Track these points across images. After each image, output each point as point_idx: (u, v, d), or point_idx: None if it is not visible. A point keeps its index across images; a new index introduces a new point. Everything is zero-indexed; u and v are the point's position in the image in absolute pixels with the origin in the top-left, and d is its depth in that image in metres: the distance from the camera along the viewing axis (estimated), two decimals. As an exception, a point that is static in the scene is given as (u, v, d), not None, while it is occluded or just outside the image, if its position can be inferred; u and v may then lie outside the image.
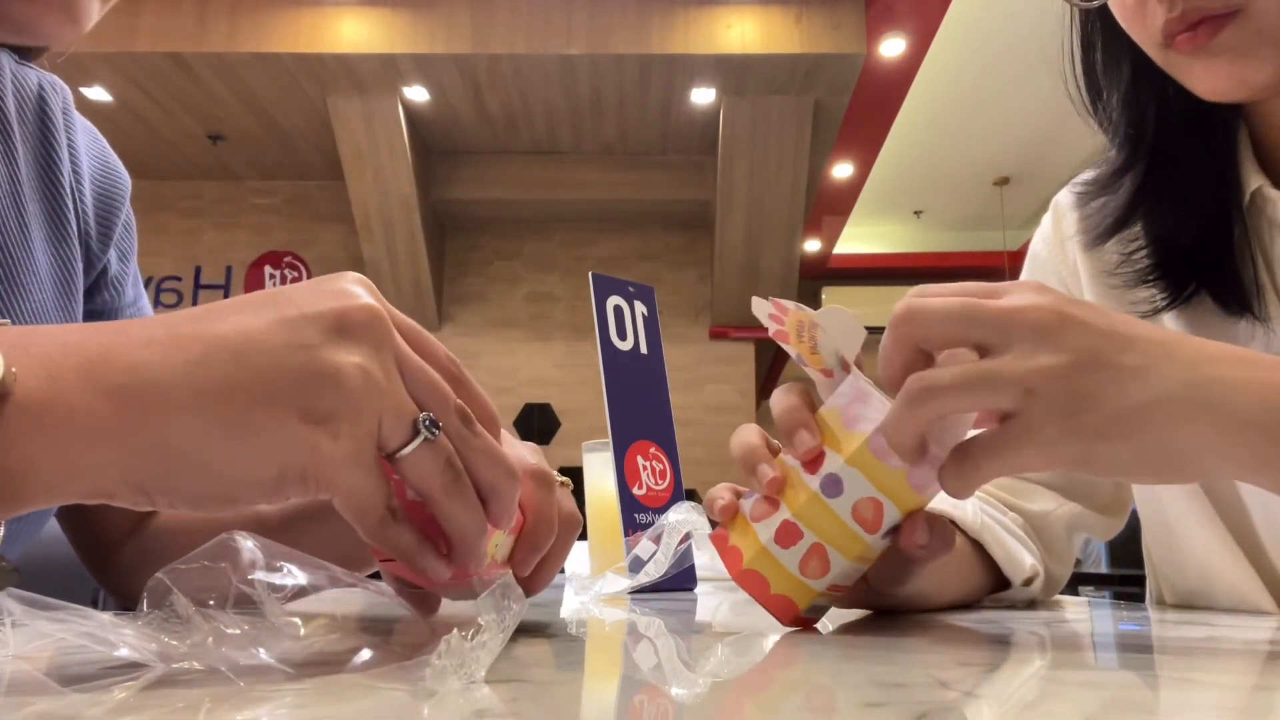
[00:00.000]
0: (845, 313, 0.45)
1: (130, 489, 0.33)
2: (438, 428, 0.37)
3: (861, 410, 0.45)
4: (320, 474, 0.35)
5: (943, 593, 0.62)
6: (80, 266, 0.67)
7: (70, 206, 0.66)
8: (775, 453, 0.49)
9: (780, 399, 0.49)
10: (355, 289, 0.37)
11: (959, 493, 0.42)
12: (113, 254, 0.71)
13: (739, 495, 0.50)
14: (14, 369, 0.31)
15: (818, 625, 0.50)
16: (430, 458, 0.37)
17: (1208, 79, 0.59)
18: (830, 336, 0.46)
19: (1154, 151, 0.69)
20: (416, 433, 0.36)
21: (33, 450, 0.31)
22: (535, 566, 0.48)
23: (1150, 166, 0.69)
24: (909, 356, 0.43)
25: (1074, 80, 0.73)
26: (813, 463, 0.46)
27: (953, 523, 0.68)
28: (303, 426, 0.34)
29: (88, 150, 0.71)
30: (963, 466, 0.41)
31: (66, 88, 0.70)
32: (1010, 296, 0.42)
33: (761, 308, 0.47)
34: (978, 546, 0.68)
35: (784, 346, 0.48)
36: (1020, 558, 0.68)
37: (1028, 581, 0.69)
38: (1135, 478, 0.43)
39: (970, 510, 0.69)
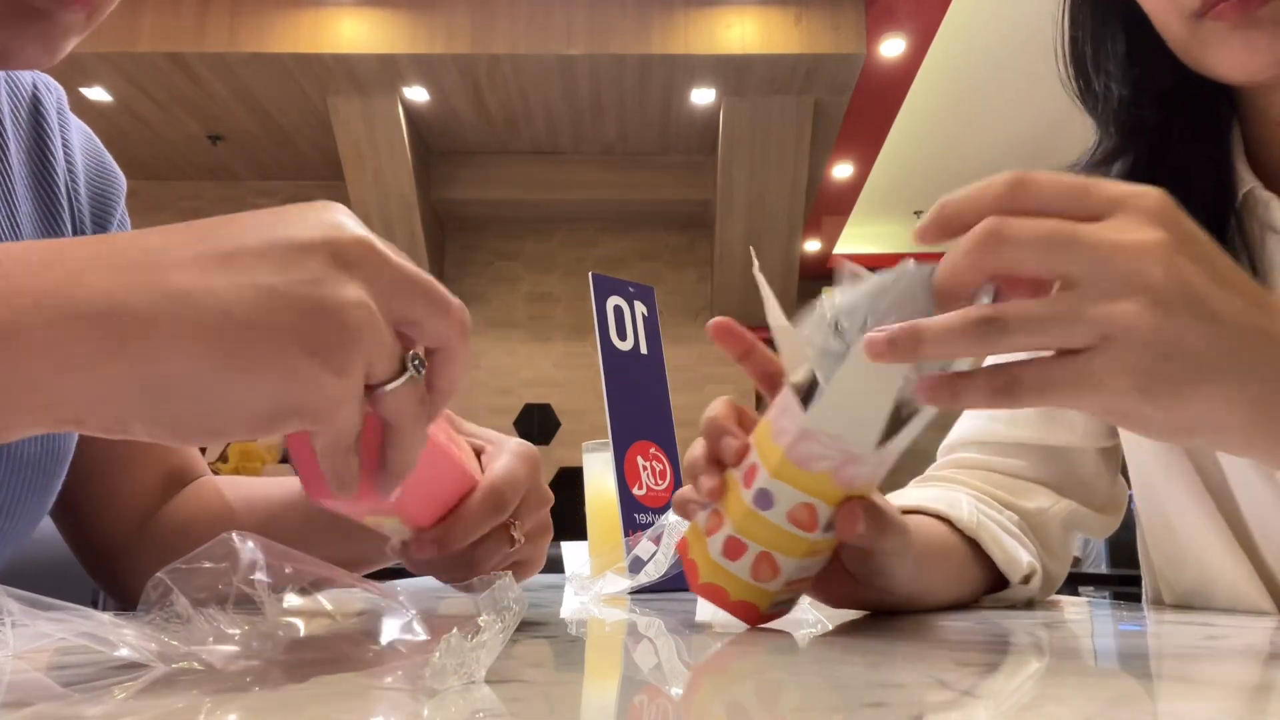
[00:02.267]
0: (791, 333, 0.45)
1: (101, 420, 0.32)
2: (423, 366, 0.37)
3: (785, 423, 0.45)
4: (317, 411, 0.34)
5: (937, 592, 0.62)
6: None
7: (65, 207, 0.66)
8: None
9: (709, 409, 0.50)
10: (345, 220, 0.36)
11: (985, 404, 0.39)
12: None
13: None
14: None
15: (814, 624, 0.50)
16: (410, 393, 0.37)
17: (1244, 55, 0.57)
18: (780, 352, 0.48)
19: (1142, 142, 0.68)
20: (403, 370, 0.36)
21: (8, 380, 0.30)
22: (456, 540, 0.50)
23: (1137, 159, 0.68)
24: (979, 284, 0.40)
25: (1063, 62, 0.72)
26: (747, 475, 0.47)
27: (949, 522, 0.68)
28: (305, 362, 0.33)
29: (82, 150, 0.70)
30: (1007, 395, 0.38)
31: (61, 88, 0.70)
32: (1116, 222, 0.38)
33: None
34: (974, 545, 0.68)
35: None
36: (1017, 556, 0.68)
37: (1026, 579, 0.69)
38: (1165, 439, 0.42)
39: (966, 509, 0.69)
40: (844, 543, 0.49)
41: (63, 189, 0.66)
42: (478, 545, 0.53)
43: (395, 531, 0.51)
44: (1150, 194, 0.39)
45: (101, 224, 0.70)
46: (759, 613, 0.49)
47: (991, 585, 0.70)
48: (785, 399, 0.45)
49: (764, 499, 0.46)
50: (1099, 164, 0.71)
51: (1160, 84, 0.67)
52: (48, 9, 0.49)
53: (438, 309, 0.38)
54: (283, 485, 0.70)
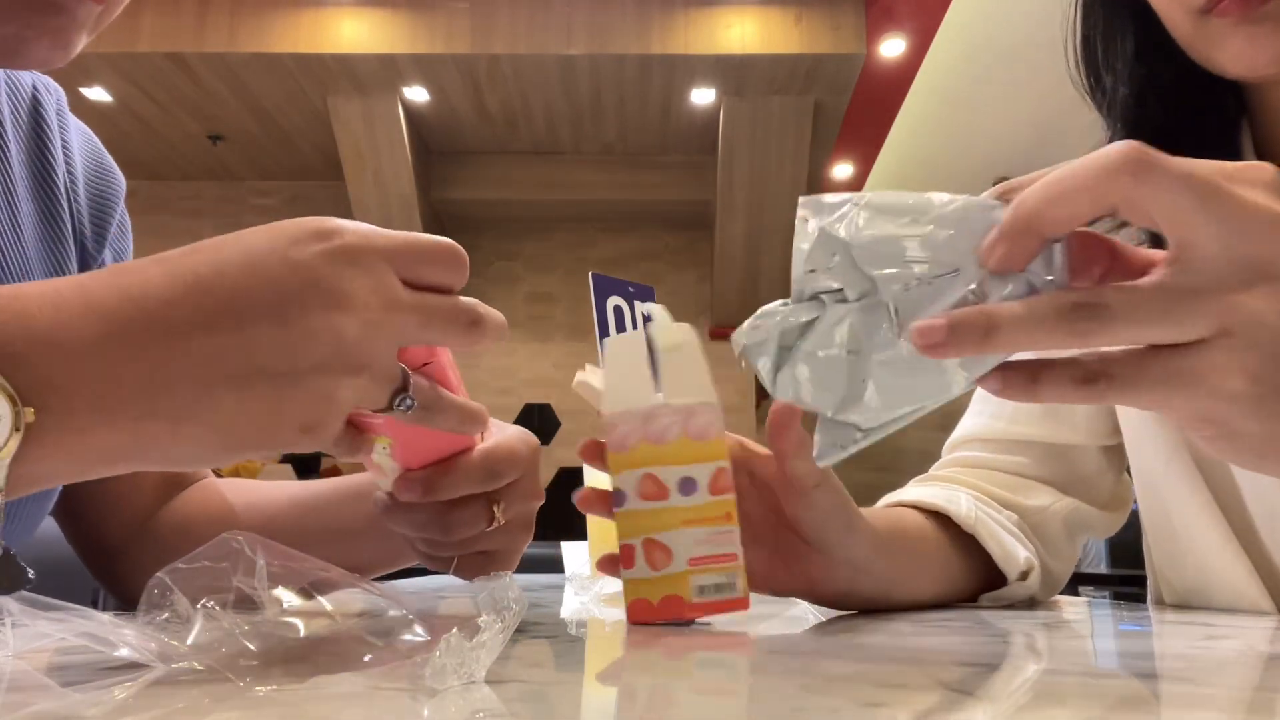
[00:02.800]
0: (584, 384, 0.54)
1: (115, 472, 0.37)
2: (411, 405, 0.41)
3: (606, 438, 0.51)
4: (298, 450, 0.38)
5: (916, 584, 0.62)
6: (75, 268, 0.67)
7: (65, 207, 0.66)
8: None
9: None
10: (343, 275, 0.37)
11: (1067, 399, 0.33)
12: (108, 255, 0.71)
13: None
14: (31, 409, 0.32)
15: (813, 623, 0.49)
16: (395, 417, 0.42)
17: (1248, 50, 0.58)
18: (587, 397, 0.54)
19: (1151, 139, 0.68)
20: (390, 408, 0.41)
21: (44, 470, 0.33)
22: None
23: None
24: (1092, 216, 0.33)
25: (1074, 59, 0.73)
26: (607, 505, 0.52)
27: (947, 517, 0.68)
28: (296, 435, 0.37)
29: (81, 151, 0.70)
30: (1092, 389, 0.33)
31: (60, 89, 0.70)
32: (1252, 192, 0.32)
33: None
34: (970, 541, 0.68)
35: None
36: (1014, 551, 0.68)
37: (1024, 575, 0.68)
38: (1244, 462, 0.36)
39: (965, 505, 0.69)
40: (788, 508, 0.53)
41: (62, 190, 0.66)
42: (457, 508, 0.53)
43: (382, 462, 0.51)
44: (1265, 168, 0.34)
45: (101, 225, 0.70)
46: (684, 602, 0.48)
47: (989, 583, 0.70)
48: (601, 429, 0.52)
49: (619, 498, 0.50)
50: None
51: (1168, 82, 0.67)
52: (65, 2, 0.49)
53: (451, 336, 0.41)
54: (285, 489, 0.71)
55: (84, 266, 0.69)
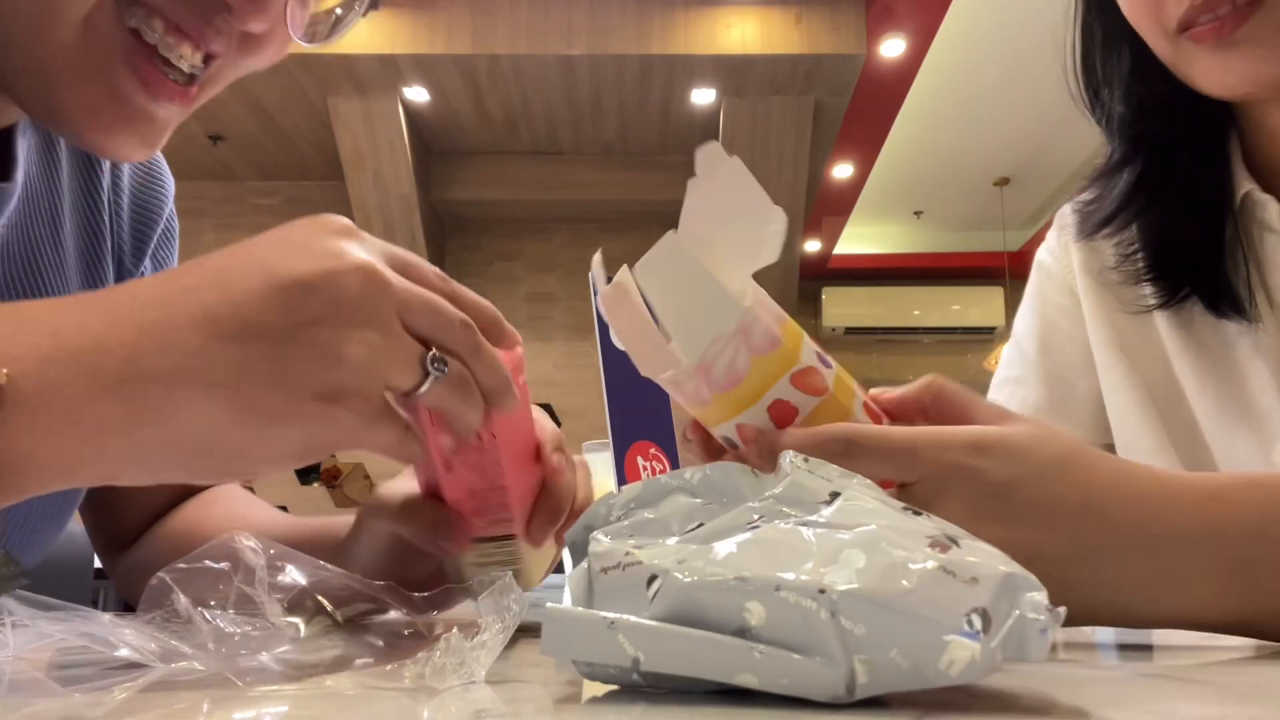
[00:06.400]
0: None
1: (138, 474, 0.34)
2: (445, 364, 0.38)
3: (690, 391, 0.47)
4: (342, 442, 0.36)
5: None
6: (111, 281, 0.67)
7: (106, 221, 0.66)
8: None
9: None
10: (343, 246, 0.37)
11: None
12: (148, 265, 0.71)
13: None
14: (5, 370, 0.31)
15: None
16: (443, 390, 0.38)
17: (1220, 73, 0.58)
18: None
19: (1149, 152, 0.70)
20: (427, 374, 0.38)
21: (34, 447, 0.31)
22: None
23: (1145, 168, 0.70)
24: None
25: (1074, 76, 0.74)
26: None
27: None
28: (317, 405, 0.35)
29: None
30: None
31: None
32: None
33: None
34: None
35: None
36: None
37: None
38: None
39: None
40: None
41: (105, 203, 0.67)
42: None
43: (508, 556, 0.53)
44: None
45: (141, 237, 0.70)
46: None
47: None
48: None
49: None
50: (1110, 172, 0.73)
51: (1164, 96, 0.68)
52: (148, 112, 0.52)
53: (443, 328, 0.39)
54: (291, 521, 0.70)
55: (119, 279, 0.69)
